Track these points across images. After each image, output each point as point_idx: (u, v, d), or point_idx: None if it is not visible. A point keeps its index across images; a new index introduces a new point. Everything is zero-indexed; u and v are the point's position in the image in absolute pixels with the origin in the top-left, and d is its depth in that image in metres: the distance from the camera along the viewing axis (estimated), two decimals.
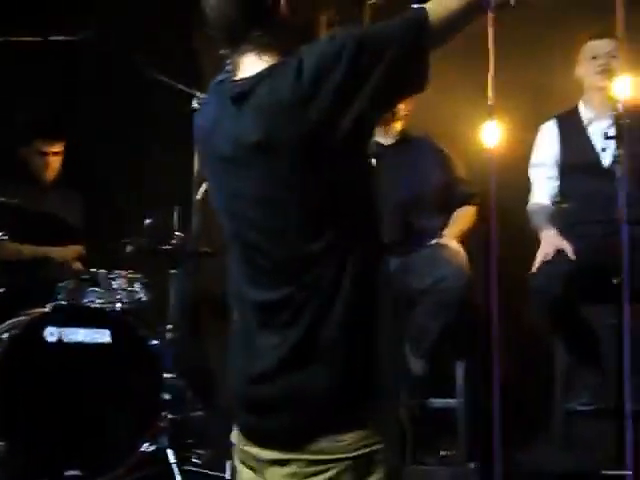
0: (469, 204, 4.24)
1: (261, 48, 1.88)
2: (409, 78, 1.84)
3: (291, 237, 1.88)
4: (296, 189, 1.84)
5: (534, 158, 4.09)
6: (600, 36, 3.96)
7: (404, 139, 4.30)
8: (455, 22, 1.86)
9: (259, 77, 1.86)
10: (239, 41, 1.89)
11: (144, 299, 4.07)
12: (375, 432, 1.87)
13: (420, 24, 1.81)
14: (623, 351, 3.11)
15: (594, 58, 3.94)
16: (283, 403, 1.91)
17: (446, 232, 4.11)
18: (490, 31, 4.15)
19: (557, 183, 4.03)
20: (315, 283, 1.86)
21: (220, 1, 1.87)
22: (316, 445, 1.86)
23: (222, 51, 1.93)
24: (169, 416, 3.91)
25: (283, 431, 1.92)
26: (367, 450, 1.86)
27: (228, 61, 1.93)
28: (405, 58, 1.81)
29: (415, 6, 1.85)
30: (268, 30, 1.88)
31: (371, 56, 1.79)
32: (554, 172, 4.03)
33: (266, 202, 1.88)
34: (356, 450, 1.85)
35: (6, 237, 3.86)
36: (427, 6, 1.84)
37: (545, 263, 3.77)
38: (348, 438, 1.85)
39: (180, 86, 3.98)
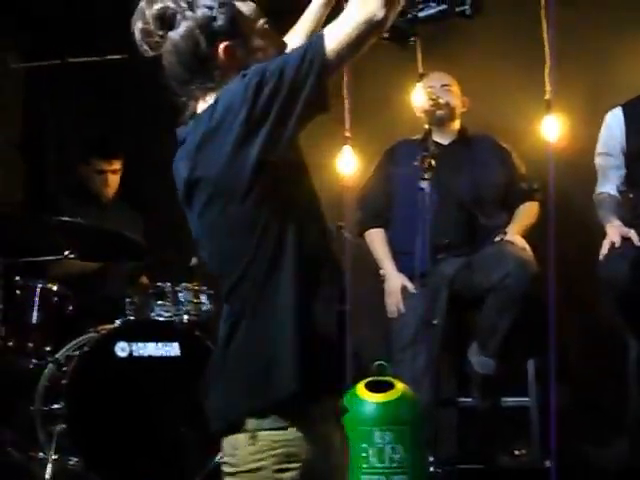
0: (531, 200, 4.20)
1: (205, 92, 2.08)
2: (309, 104, 1.94)
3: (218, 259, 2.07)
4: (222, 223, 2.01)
5: (599, 147, 4.01)
6: None
7: (463, 137, 4.28)
8: (351, 49, 1.94)
9: (193, 120, 2.08)
10: (188, 89, 2.09)
11: (210, 310, 4.08)
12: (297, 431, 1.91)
13: (316, 53, 1.92)
14: None
15: None
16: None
17: (509, 229, 4.08)
18: (545, 24, 4.13)
19: (623, 172, 3.96)
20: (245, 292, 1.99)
21: (168, 59, 2.09)
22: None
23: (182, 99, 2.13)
24: None
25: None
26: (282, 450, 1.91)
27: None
28: (303, 87, 1.92)
29: (313, 37, 1.99)
30: (208, 76, 2.07)
31: (272, 89, 1.93)
32: (620, 161, 3.96)
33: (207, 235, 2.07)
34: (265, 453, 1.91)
35: (72, 255, 3.90)
36: (324, 33, 1.95)
37: (612, 252, 3.72)
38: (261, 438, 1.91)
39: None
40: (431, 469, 3.60)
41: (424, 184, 3.70)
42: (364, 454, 3.36)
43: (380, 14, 1.92)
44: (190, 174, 2.03)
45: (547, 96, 3.61)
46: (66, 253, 3.92)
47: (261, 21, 2.10)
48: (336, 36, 1.93)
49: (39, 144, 5.13)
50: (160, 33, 2.08)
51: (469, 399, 4.11)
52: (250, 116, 1.93)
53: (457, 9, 2.35)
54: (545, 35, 3.80)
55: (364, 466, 3.35)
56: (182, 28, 2.06)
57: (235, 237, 1.99)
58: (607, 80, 4.40)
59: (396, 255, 4.17)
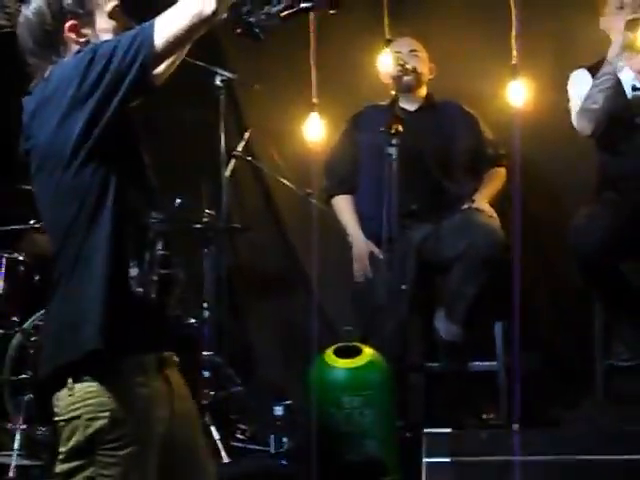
0: (499, 165, 4.21)
1: (50, 65, 2.20)
2: (133, 88, 2.08)
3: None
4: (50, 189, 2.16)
5: (574, 104, 3.98)
6: None
7: (430, 104, 4.27)
8: (180, 38, 2.07)
9: (34, 90, 2.22)
10: (37, 61, 2.22)
11: (180, 279, 4.07)
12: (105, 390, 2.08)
13: (145, 41, 2.05)
14: None
15: (620, 8, 3.88)
16: None
17: (477, 195, 4.08)
18: None
19: None
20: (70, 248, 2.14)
21: (20, 31, 2.24)
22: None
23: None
24: (210, 393, 3.92)
25: None
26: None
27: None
28: (128, 72, 2.06)
29: (145, 24, 2.08)
30: (54, 51, 2.21)
31: (100, 70, 2.07)
32: None
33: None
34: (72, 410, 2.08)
35: (38, 225, 3.87)
36: (156, 22, 2.06)
37: (581, 220, 3.74)
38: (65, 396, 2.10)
39: (202, 63, 3.97)
40: (401, 434, 3.63)
41: (391, 150, 3.70)
42: (333, 419, 3.37)
43: (209, 9, 2.02)
44: (24, 143, 2.20)
45: (513, 61, 3.61)
46: (32, 222, 3.89)
47: (111, 3, 2.23)
48: (166, 26, 2.04)
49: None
50: (16, 7, 2.27)
51: (437, 364, 4.14)
52: (78, 91, 2.08)
53: (303, 5, 2.42)
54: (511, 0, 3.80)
55: (334, 431, 3.37)
56: (33, 4, 2.21)
57: (58, 203, 2.13)
58: (572, 44, 4.40)
59: (363, 221, 4.17)
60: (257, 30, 2.31)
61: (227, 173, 4.14)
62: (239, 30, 2.31)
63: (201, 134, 4.41)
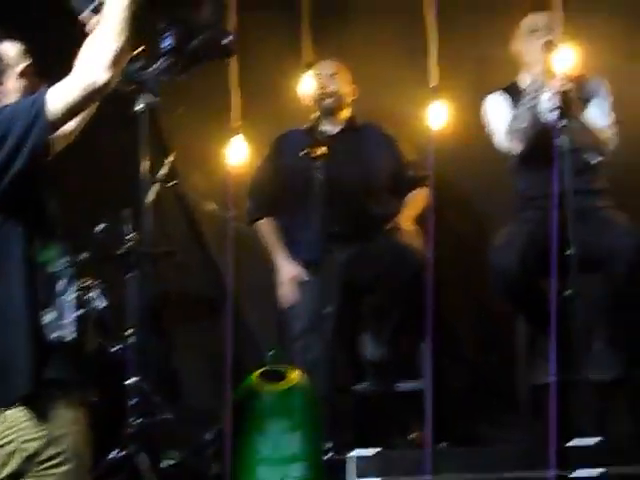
0: (420, 187, 4.24)
1: None
2: (31, 156, 2.15)
3: None
4: None
5: (496, 126, 4.02)
6: (538, 10, 3.98)
7: (352, 126, 4.29)
8: (74, 108, 2.17)
9: None
10: None
11: (103, 306, 4.03)
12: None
13: (40, 112, 2.14)
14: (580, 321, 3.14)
15: (533, 31, 3.95)
16: None
17: (400, 217, 4.11)
18: (430, 14, 4.17)
19: None
20: None
21: None
22: None
23: None
24: (137, 421, 3.88)
25: None
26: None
27: None
28: (26, 141, 2.14)
29: (41, 90, 2.18)
30: None
31: (4, 132, 2.15)
32: None
33: None
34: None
35: None
36: (49, 92, 2.16)
37: (502, 241, 3.80)
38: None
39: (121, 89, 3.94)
40: (328, 456, 3.63)
41: (313, 173, 3.71)
42: (260, 444, 3.36)
43: (102, 79, 2.12)
44: None
45: (432, 84, 3.66)
46: None
47: (22, 64, 2.29)
48: (59, 97, 2.14)
49: None
50: None
51: (364, 385, 4.15)
52: None
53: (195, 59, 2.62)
54: (430, 21, 3.86)
55: (259, 456, 3.35)
56: None
57: None
58: (489, 67, 4.48)
59: (288, 244, 4.17)
60: (152, 86, 2.40)
61: (150, 198, 4.10)
62: (133, 87, 2.40)
63: (124, 158, 4.37)
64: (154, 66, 3.04)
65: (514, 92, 3.96)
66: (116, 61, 2.13)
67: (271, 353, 3.59)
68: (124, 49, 2.17)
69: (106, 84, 2.12)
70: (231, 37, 3.39)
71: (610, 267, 3.68)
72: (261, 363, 3.56)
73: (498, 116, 4.00)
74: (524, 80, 3.99)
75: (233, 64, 3.89)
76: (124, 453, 3.77)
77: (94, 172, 4.48)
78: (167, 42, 3.29)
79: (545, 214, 3.83)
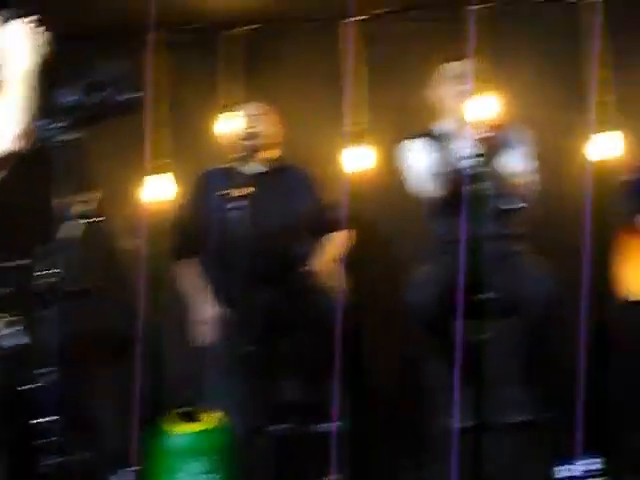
0: (339, 229, 4.27)
1: None
2: None
3: None
4: None
5: (414, 171, 4.08)
6: (457, 59, 4.06)
7: (274, 167, 4.31)
8: None
9: None
10: None
11: (16, 344, 3.96)
12: None
13: None
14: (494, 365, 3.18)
15: (452, 79, 4.03)
16: None
17: (319, 258, 4.13)
18: (351, 60, 4.24)
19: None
20: None
21: None
22: None
23: None
24: (51, 461, 3.81)
25: None
26: None
27: None
28: None
29: None
30: None
31: None
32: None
33: None
34: None
35: None
36: None
37: (418, 278, 3.84)
38: None
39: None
40: None
41: (235, 213, 3.71)
42: None
43: (9, 150, 2.22)
44: None
45: (352, 128, 3.72)
46: None
47: None
48: None
49: None
50: None
51: (283, 426, 4.13)
52: None
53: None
54: (349, 66, 3.92)
55: None
56: None
57: None
58: (409, 113, 4.55)
59: (209, 284, 4.16)
60: (57, 143, 2.42)
61: (68, 234, 4.06)
62: (38, 144, 2.41)
63: (43, 194, 4.33)
64: (58, 123, 3.08)
65: (432, 138, 4.02)
66: (24, 132, 2.11)
67: (188, 394, 3.56)
68: (31, 118, 2.15)
69: (14, 153, 2.08)
70: (138, 94, 3.41)
71: (524, 313, 3.74)
72: (178, 403, 3.53)
73: (414, 161, 4.06)
74: (442, 126, 4.06)
75: (157, 103, 3.90)
76: None
77: (14, 205, 4.40)
78: (70, 98, 3.25)
79: (458, 259, 3.90)
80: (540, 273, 3.83)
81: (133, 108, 3.26)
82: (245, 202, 3.74)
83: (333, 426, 4.05)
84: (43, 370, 3.93)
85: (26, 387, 3.90)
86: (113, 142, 4.51)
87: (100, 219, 4.44)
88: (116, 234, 4.31)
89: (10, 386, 3.83)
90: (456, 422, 3.85)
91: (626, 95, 4.37)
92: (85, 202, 4.11)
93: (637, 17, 4.47)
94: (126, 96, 3.23)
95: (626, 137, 4.25)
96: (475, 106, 3.67)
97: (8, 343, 3.94)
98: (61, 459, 3.86)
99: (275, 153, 4.34)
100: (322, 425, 4.09)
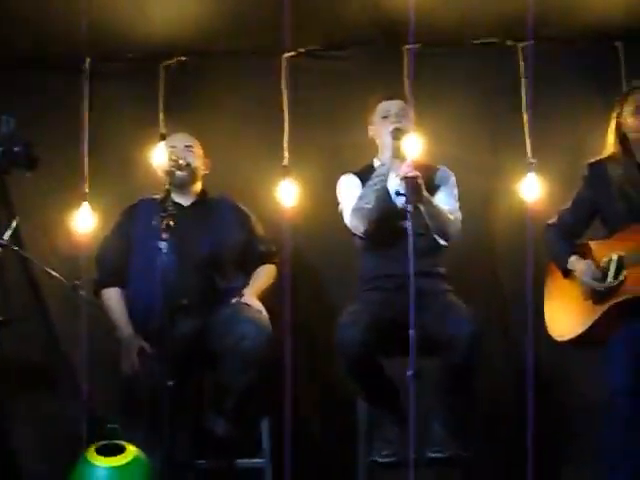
0: (269, 262, 4.27)
1: None
2: None
3: None
4: None
5: (346, 205, 4.09)
6: (390, 97, 4.12)
7: (203, 199, 4.30)
8: None
9: None
10: None
11: None
12: None
13: None
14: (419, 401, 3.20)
15: (385, 117, 4.08)
16: None
17: (246, 291, 4.12)
18: (285, 95, 4.27)
19: None
20: None
21: None
22: None
23: None
24: None
25: None
26: None
27: None
28: None
29: None
30: None
31: None
32: None
33: None
34: None
35: None
36: None
37: (346, 318, 3.85)
38: None
39: None
40: None
41: (162, 244, 3.68)
42: None
43: None
44: None
45: (285, 162, 3.73)
46: None
47: None
48: None
49: None
50: None
51: (205, 460, 4.10)
52: None
53: None
54: (284, 101, 3.94)
55: None
56: None
57: None
58: (341, 149, 4.60)
59: (132, 314, 4.12)
60: None
61: None
62: None
63: None
64: None
65: (368, 174, 4.06)
66: None
67: (109, 427, 3.51)
68: None
69: None
70: (26, 148, 3.58)
71: (448, 351, 3.78)
72: (100, 436, 3.48)
73: (348, 195, 4.10)
74: (378, 163, 4.11)
75: (84, 130, 3.88)
76: None
77: None
78: None
79: (387, 294, 3.94)
80: (464, 313, 3.86)
81: (30, 162, 3.42)
82: (172, 233, 3.71)
83: (259, 461, 4.04)
84: None
85: None
86: (42, 170, 4.47)
87: (26, 248, 4.40)
88: (43, 263, 4.24)
89: None
90: (382, 457, 3.88)
91: (544, 140, 4.48)
92: (11, 230, 4.05)
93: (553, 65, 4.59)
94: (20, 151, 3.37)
95: (546, 181, 4.34)
96: (406, 144, 3.72)
97: None
98: None
99: (203, 185, 4.32)
100: (247, 460, 4.07)
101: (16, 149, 3.56)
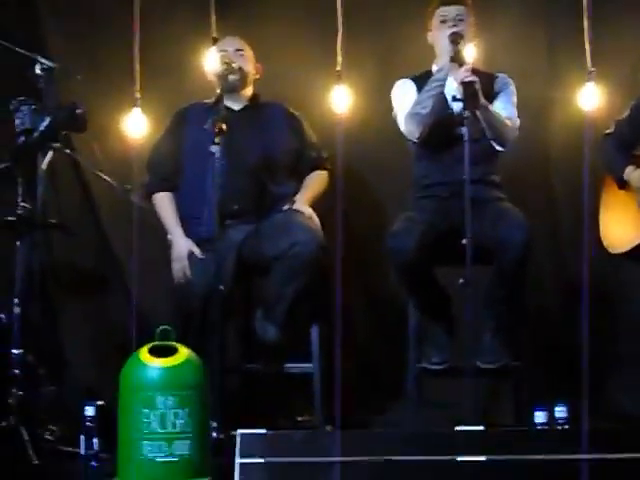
0: (321, 168, 4.24)
1: None
2: None
3: None
4: None
5: (400, 111, 4.04)
6: (448, 2, 4.02)
7: (255, 104, 4.26)
8: None
9: None
10: None
11: None
12: None
13: None
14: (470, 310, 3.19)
15: (443, 22, 4.00)
16: None
17: (298, 197, 4.10)
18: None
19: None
20: None
21: None
22: None
23: None
24: (19, 393, 3.79)
25: None
26: None
27: None
28: None
29: None
30: None
31: None
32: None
33: None
34: None
35: None
36: None
37: (399, 225, 3.83)
38: None
39: (21, 50, 3.85)
40: (214, 435, 3.61)
41: (214, 148, 3.68)
42: (146, 419, 3.30)
43: None
44: None
45: (338, 67, 3.67)
46: None
47: None
48: None
49: None
50: None
51: (254, 365, 4.13)
52: None
53: None
54: (338, 5, 3.85)
55: (146, 431, 3.30)
56: None
57: None
58: (396, 55, 4.52)
59: (184, 220, 4.12)
60: None
61: (44, 166, 4.00)
62: None
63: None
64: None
65: (424, 79, 3.99)
66: None
67: (161, 328, 3.53)
68: None
69: None
70: (80, 109, 3.78)
71: (500, 258, 3.75)
72: (151, 338, 3.50)
73: (402, 101, 4.04)
74: (435, 68, 4.04)
75: (136, 35, 3.83)
76: (5, 425, 3.70)
77: None
78: (20, 122, 3.71)
79: (441, 202, 3.90)
80: (517, 221, 3.82)
81: (81, 124, 3.76)
82: (224, 138, 3.69)
83: (308, 366, 4.07)
84: (14, 302, 3.91)
85: None
86: (94, 73, 4.45)
87: (78, 152, 4.40)
88: (95, 168, 4.24)
89: None
90: (430, 363, 3.88)
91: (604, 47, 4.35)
92: (65, 133, 4.05)
93: None
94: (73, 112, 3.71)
95: (605, 90, 4.23)
96: (464, 49, 3.65)
97: None
98: (30, 392, 3.85)
99: (254, 90, 4.28)
100: (297, 365, 4.10)
101: (64, 114, 3.76)
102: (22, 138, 3.70)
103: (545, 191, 4.56)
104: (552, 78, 4.53)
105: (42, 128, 3.70)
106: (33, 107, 3.73)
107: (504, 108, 3.98)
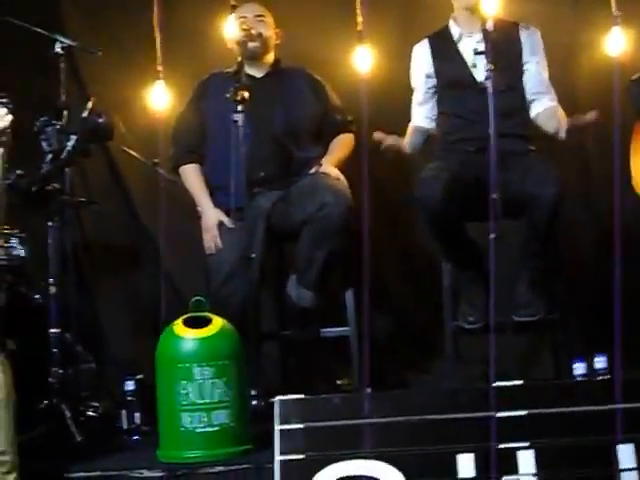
0: (346, 132, 4.21)
1: None
2: None
3: None
4: None
5: (412, 80, 4.06)
6: None
7: (277, 70, 4.24)
8: None
9: None
10: None
11: (22, 255, 3.94)
12: None
13: None
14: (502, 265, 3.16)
15: None
16: None
17: (324, 160, 4.08)
18: None
19: (429, 105, 4.04)
20: None
21: None
22: None
23: None
24: (59, 371, 3.83)
25: None
26: None
27: None
28: None
29: None
30: None
31: None
32: (424, 96, 4.05)
33: None
34: None
35: None
36: None
37: (427, 174, 3.78)
38: None
39: (41, 30, 3.85)
40: (254, 402, 3.62)
41: (237, 117, 3.66)
42: (184, 390, 3.33)
43: None
44: None
45: (359, 27, 3.62)
46: None
47: None
48: None
49: None
50: None
51: (289, 331, 4.13)
52: None
53: None
54: None
55: (184, 403, 3.32)
56: None
57: None
58: (417, 12, 4.46)
59: (212, 190, 4.12)
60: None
61: (69, 147, 4.01)
62: None
63: (42, 103, 4.26)
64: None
65: (443, 37, 3.95)
66: None
67: (195, 299, 3.54)
68: None
69: None
70: (103, 118, 3.79)
71: (531, 211, 3.71)
72: (185, 310, 3.51)
73: (422, 63, 4.01)
74: (454, 24, 3.98)
75: (156, 6, 3.81)
76: (47, 403, 3.73)
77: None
78: (47, 145, 3.72)
79: (468, 156, 3.86)
80: (547, 174, 3.77)
81: (108, 133, 3.78)
82: (247, 106, 3.67)
83: (345, 329, 4.06)
84: (50, 281, 3.93)
85: (33, 298, 3.90)
86: (114, 48, 4.44)
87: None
88: (120, 143, 4.24)
89: (15, 297, 3.82)
90: (466, 322, 3.86)
91: None
92: (89, 110, 4.03)
93: None
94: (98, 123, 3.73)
95: (631, 35, 4.15)
96: (486, 2, 3.58)
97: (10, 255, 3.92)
98: (69, 370, 3.88)
99: (276, 56, 4.25)
100: (333, 329, 4.10)
101: (88, 127, 3.75)
102: (50, 158, 3.72)
103: (573, 138, 4.49)
104: (577, 23, 4.45)
105: (69, 148, 3.70)
106: (57, 127, 3.73)
107: (536, 74, 3.95)
